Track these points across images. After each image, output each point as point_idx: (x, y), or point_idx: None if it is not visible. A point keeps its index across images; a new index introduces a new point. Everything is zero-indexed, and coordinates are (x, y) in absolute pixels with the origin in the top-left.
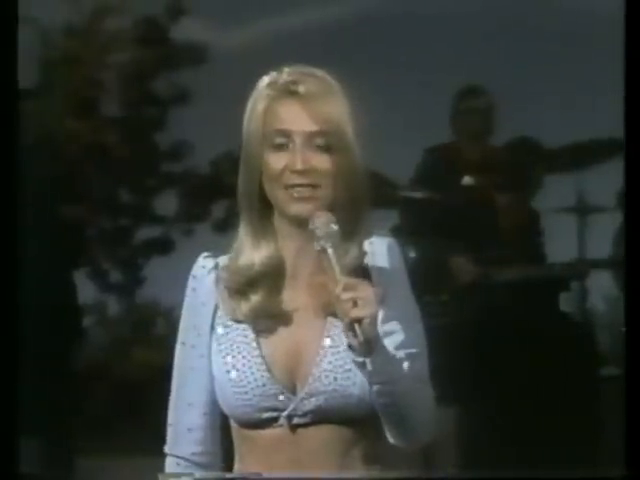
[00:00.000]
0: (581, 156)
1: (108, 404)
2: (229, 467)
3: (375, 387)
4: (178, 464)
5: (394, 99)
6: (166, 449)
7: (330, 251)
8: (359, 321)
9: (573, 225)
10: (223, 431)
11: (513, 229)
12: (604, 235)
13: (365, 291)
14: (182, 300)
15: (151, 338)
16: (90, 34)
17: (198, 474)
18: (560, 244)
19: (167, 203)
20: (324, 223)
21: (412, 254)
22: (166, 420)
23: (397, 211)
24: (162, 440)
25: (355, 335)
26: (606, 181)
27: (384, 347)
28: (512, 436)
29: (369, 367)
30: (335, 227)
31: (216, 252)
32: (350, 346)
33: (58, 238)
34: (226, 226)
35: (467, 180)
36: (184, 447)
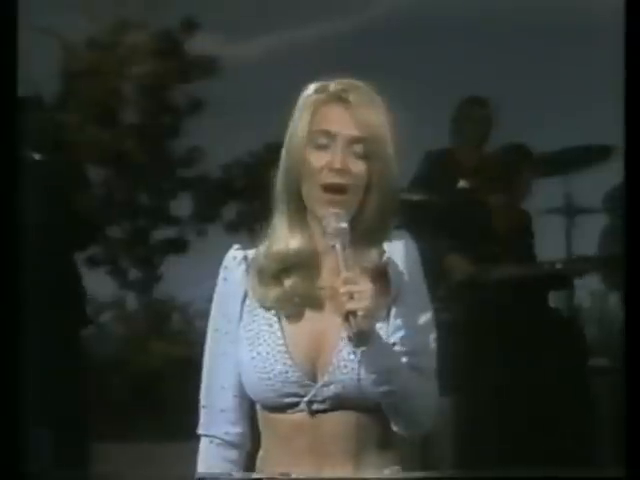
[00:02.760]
0: (569, 161)
1: (127, 392)
2: (258, 446)
3: (371, 376)
4: (211, 442)
5: (396, 106)
6: (200, 430)
7: (338, 247)
8: (354, 313)
9: (561, 225)
10: (253, 413)
11: (506, 229)
12: (590, 235)
13: (362, 286)
14: (196, 296)
15: (167, 331)
16: (111, 48)
17: (235, 474)
18: (549, 243)
19: (182, 205)
20: (335, 221)
21: None
22: (181, 407)
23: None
24: (177, 425)
25: (350, 326)
26: (592, 184)
27: (380, 339)
28: (509, 434)
29: (362, 357)
30: (345, 225)
31: (246, 245)
32: (348, 337)
33: (81, 239)
34: (236, 226)
35: (463, 183)
36: (217, 427)
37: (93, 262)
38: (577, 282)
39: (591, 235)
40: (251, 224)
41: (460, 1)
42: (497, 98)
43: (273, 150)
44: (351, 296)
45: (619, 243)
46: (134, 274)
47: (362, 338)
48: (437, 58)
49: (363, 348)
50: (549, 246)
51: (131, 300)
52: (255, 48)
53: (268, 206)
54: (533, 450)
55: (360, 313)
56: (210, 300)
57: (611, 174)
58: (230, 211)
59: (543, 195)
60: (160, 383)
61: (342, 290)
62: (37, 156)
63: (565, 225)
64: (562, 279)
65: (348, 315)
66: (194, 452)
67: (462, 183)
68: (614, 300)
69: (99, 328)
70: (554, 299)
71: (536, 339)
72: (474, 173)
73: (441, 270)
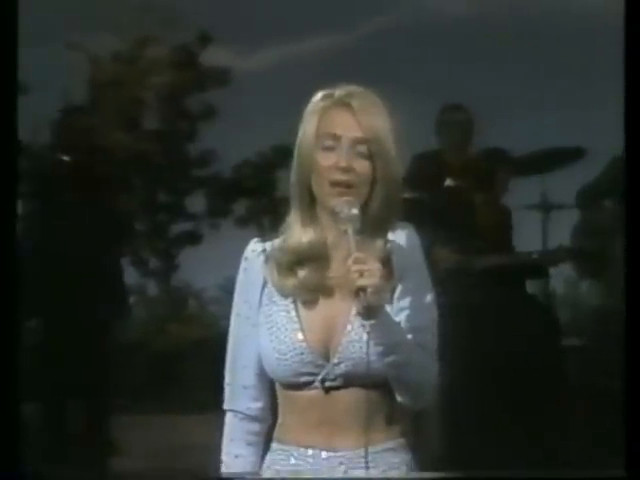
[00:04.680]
0: (544, 162)
1: (147, 370)
2: (277, 418)
3: (379, 348)
4: (235, 416)
5: (391, 110)
6: (225, 405)
7: (350, 231)
8: (364, 289)
9: (537, 220)
10: (272, 389)
11: (488, 223)
12: (563, 228)
13: (371, 265)
14: (210, 283)
15: (184, 315)
16: (133, 61)
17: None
18: (527, 236)
19: (196, 202)
20: (346, 207)
21: None
22: (197, 384)
23: None
24: (193, 400)
25: (360, 301)
26: (565, 183)
27: (388, 315)
28: (492, 413)
29: (371, 329)
30: (356, 211)
31: (264, 238)
32: (358, 312)
33: (107, 231)
34: (246, 221)
35: (449, 182)
36: (241, 403)
37: (118, 253)
38: (552, 271)
39: (564, 229)
40: (259, 219)
41: (457, 10)
42: (476, 110)
43: (279, 152)
44: (361, 274)
45: (590, 236)
46: (154, 264)
47: (371, 312)
48: (433, 67)
49: (372, 321)
50: (527, 239)
51: (151, 287)
52: (263, 60)
53: (274, 202)
54: (512, 422)
55: (369, 289)
56: (222, 287)
57: (582, 173)
58: (240, 207)
59: (521, 193)
60: (178, 362)
61: (353, 268)
62: (66, 158)
63: (541, 220)
64: (538, 268)
65: (358, 291)
66: (208, 423)
67: (448, 182)
68: (585, 286)
69: (123, 312)
70: (531, 286)
71: (515, 321)
72: (459, 173)
73: (430, 261)
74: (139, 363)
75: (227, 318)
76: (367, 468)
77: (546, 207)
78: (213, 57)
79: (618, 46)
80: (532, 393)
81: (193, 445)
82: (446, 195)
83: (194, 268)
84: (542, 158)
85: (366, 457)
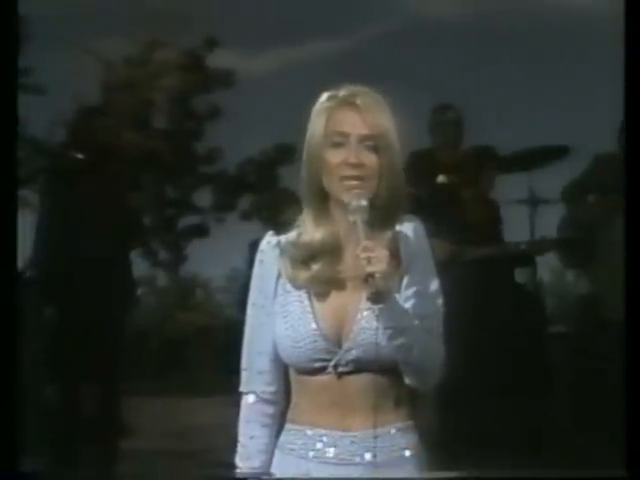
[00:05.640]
0: (531, 160)
1: (157, 354)
2: (290, 401)
3: (387, 332)
4: (250, 399)
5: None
6: (241, 388)
7: (358, 222)
8: (372, 275)
9: (525, 213)
10: (286, 373)
11: (478, 217)
12: (549, 221)
13: (379, 252)
14: (216, 274)
15: (191, 303)
16: (143, 65)
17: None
18: (515, 228)
19: (203, 197)
20: (356, 200)
21: None
22: (203, 368)
23: None
24: (199, 382)
25: (369, 287)
26: (551, 179)
27: (396, 300)
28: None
29: (380, 314)
30: (365, 203)
31: (279, 231)
32: (367, 297)
33: (119, 224)
34: (249, 215)
35: (441, 179)
36: (256, 386)
37: (130, 246)
38: (539, 260)
39: (550, 221)
40: (262, 213)
41: (449, 16)
42: (466, 111)
43: (281, 150)
44: (369, 261)
45: (574, 228)
46: (163, 255)
47: (379, 297)
48: (427, 68)
49: (380, 306)
50: (515, 231)
51: (161, 277)
52: (265, 64)
53: (276, 197)
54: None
55: (377, 275)
56: (228, 277)
57: (567, 170)
58: (244, 202)
59: (510, 188)
60: (185, 347)
61: (362, 255)
62: (81, 156)
63: (528, 213)
64: (526, 258)
65: (367, 277)
66: (213, 405)
67: (440, 179)
68: (570, 275)
69: (134, 301)
70: (519, 275)
71: (504, 308)
72: (451, 170)
73: None
74: (149, 348)
75: (232, 306)
76: (375, 447)
77: (533, 201)
78: (219, 61)
79: (603, 50)
80: (522, 379)
81: (199, 426)
82: (439, 191)
83: (201, 259)
84: (529, 156)
85: (375, 436)
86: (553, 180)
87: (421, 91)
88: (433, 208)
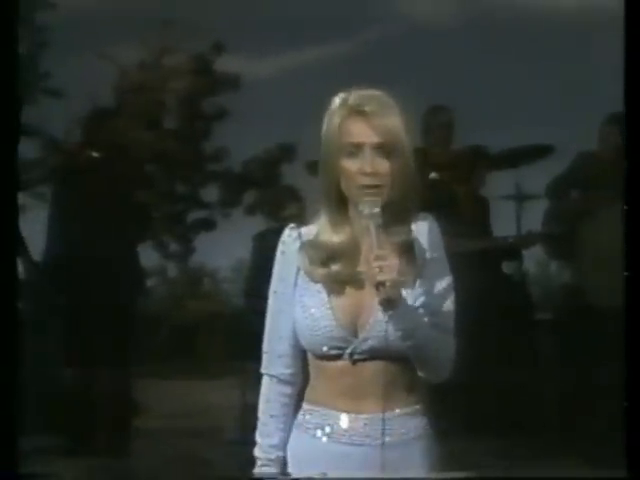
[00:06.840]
0: (519, 158)
1: (167, 341)
2: (307, 383)
3: (398, 334)
4: (271, 380)
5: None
6: (262, 370)
7: (372, 228)
8: (383, 284)
9: (513, 208)
10: (304, 357)
11: (469, 212)
12: (536, 216)
13: (391, 260)
14: (223, 265)
15: (199, 292)
16: (155, 69)
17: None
18: (503, 222)
19: (210, 193)
20: (369, 207)
21: None
22: (212, 354)
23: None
24: (207, 367)
25: (380, 294)
26: (537, 176)
27: (406, 305)
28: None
29: (390, 319)
30: (378, 210)
31: (299, 225)
32: (379, 303)
33: (132, 219)
34: (254, 210)
35: (434, 176)
36: (276, 368)
37: (142, 238)
38: (525, 253)
39: (536, 216)
40: (265, 208)
41: (439, 21)
42: (458, 112)
43: (284, 149)
44: (381, 269)
45: (558, 222)
46: (173, 247)
47: (390, 304)
48: (422, 71)
49: (390, 312)
50: (503, 225)
51: (171, 268)
52: (269, 67)
53: (279, 193)
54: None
55: (388, 283)
56: (233, 268)
57: (552, 168)
58: (248, 198)
59: (498, 185)
60: (194, 333)
61: (374, 264)
62: (96, 154)
63: (515, 208)
64: (513, 251)
65: (378, 285)
66: (221, 388)
67: (433, 176)
68: (554, 267)
69: (146, 290)
70: (507, 266)
71: (493, 298)
72: (443, 168)
73: None
74: (160, 334)
75: (238, 295)
76: (386, 430)
77: (520, 197)
78: (225, 65)
79: (587, 51)
80: (508, 362)
81: (207, 407)
82: (433, 188)
83: (208, 251)
84: (516, 154)
85: (384, 419)
86: (539, 177)
87: (416, 92)
88: (428, 204)
